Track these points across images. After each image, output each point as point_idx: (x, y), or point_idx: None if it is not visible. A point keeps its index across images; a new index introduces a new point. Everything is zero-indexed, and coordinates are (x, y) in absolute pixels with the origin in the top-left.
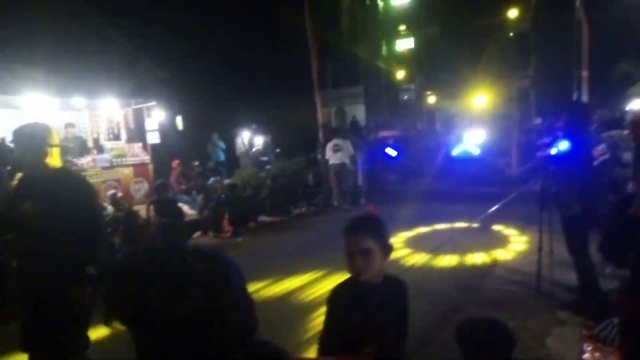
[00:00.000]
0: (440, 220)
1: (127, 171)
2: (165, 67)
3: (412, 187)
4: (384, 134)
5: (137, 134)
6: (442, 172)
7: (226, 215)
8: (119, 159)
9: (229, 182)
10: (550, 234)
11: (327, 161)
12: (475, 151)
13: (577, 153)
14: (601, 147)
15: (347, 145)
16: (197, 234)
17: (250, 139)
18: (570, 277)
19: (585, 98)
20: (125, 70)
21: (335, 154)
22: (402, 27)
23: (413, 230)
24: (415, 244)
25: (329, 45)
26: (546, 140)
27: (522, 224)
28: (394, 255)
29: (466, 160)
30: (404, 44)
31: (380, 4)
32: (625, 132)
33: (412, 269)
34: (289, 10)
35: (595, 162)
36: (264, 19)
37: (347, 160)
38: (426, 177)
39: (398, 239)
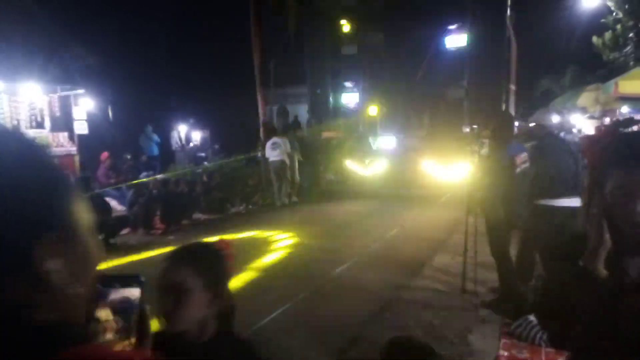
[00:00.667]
0: (373, 220)
1: None
2: (97, 54)
3: (349, 188)
4: (326, 134)
5: (63, 123)
6: (385, 171)
7: (158, 212)
8: None
9: (162, 177)
10: (475, 237)
11: (267, 159)
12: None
13: (499, 160)
14: (523, 156)
15: (286, 144)
16: (125, 231)
17: (187, 134)
18: (493, 277)
19: (512, 110)
20: (51, 53)
21: (273, 151)
22: (346, 31)
23: (347, 229)
24: (348, 241)
25: (273, 42)
26: (474, 147)
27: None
28: (327, 252)
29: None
30: (348, 50)
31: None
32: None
33: (343, 266)
34: (232, 4)
35: (517, 170)
36: (207, 10)
37: (286, 158)
38: (362, 180)
39: (330, 237)
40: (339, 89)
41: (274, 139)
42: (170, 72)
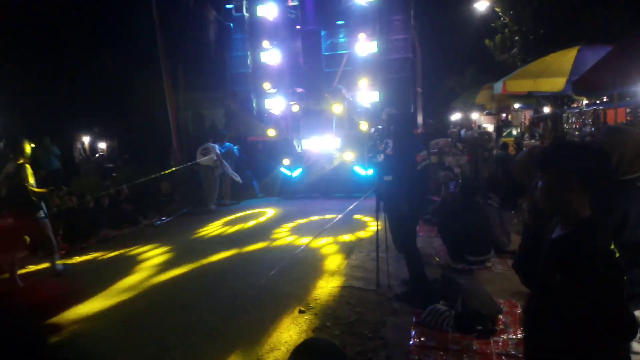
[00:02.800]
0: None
1: None
2: None
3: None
4: (252, 138)
5: None
6: (305, 172)
7: (60, 231)
8: None
9: (62, 192)
10: (386, 231)
11: (197, 164)
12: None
13: (402, 159)
14: (423, 153)
15: (215, 149)
16: (22, 254)
17: (92, 144)
18: (405, 269)
19: (420, 110)
20: None
21: (204, 157)
22: (266, 42)
23: (269, 234)
24: (271, 246)
25: (181, 46)
26: (379, 147)
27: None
28: (247, 260)
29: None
30: (269, 57)
31: (247, 15)
32: (449, 139)
33: (263, 272)
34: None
35: (418, 167)
36: (109, 13)
37: (212, 163)
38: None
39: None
40: (260, 93)
41: (205, 145)
42: (70, 79)
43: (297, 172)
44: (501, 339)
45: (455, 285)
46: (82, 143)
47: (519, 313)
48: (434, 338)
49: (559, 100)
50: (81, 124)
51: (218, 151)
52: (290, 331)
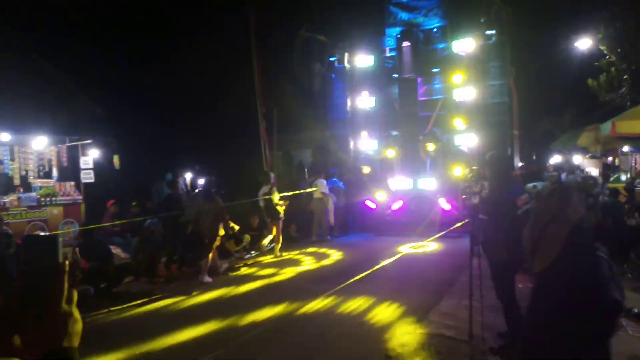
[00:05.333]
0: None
1: (57, 211)
2: (104, 104)
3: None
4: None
5: (71, 172)
6: (398, 211)
7: (162, 260)
8: (48, 198)
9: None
10: (480, 280)
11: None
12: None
13: (501, 201)
14: (524, 197)
15: (322, 185)
16: (128, 279)
17: (193, 180)
18: (500, 321)
19: (517, 153)
20: (60, 105)
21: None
22: (364, 91)
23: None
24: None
25: (277, 88)
26: (475, 189)
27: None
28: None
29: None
30: (366, 103)
31: (347, 66)
32: (547, 182)
33: (348, 312)
34: (237, 53)
35: (519, 211)
36: (210, 58)
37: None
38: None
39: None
40: (357, 136)
41: (315, 179)
42: (175, 121)
43: (394, 208)
44: None
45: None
46: (185, 179)
47: None
48: None
49: None
50: (184, 162)
51: (326, 188)
52: None
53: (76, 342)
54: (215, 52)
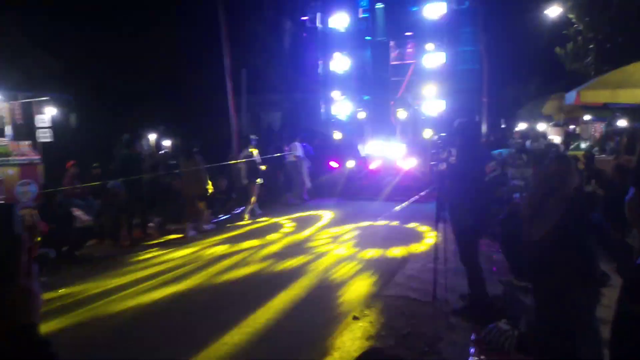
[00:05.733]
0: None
1: (12, 171)
2: (61, 59)
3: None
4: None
5: (26, 131)
6: (368, 175)
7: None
8: (1, 158)
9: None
10: (445, 243)
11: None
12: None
13: (469, 168)
14: (492, 164)
15: (297, 148)
16: (91, 242)
17: (157, 141)
18: (463, 283)
19: (485, 120)
20: (11, 59)
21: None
22: (336, 52)
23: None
24: (326, 247)
25: (245, 51)
26: (442, 155)
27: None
28: (300, 263)
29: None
30: (338, 66)
31: (320, 26)
32: (513, 150)
33: (317, 275)
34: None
35: (487, 178)
36: (177, 15)
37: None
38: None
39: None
40: (328, 99)
41: (292, 143)
42: (139, 80)
43: (360, 175)
44: None
45: (518, 303)
46: (148, 140)
47: None
48: (495, 358)
49: (637, 112)
50: (148, 122)
51: (301, 151)
52: (344, 337)
53: (36, 317)
54: (182, 6)
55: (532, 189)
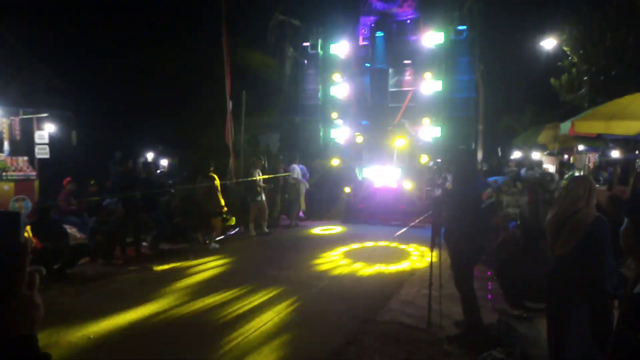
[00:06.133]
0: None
1: (7, 187)
2: (63, 76)
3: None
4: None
5: (24, 146)
6: (366, 199)
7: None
8: None
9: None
10: (440, 269)
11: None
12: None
13: (465, 195)
14: (489, 191)
15: (296, 170)
16: (83, 261)
17: (155, 160)
18: (458, 310)
19: (480, 147)
20: (13, 75)
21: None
22: (337, 77)
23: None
24: (316, 271)
25: (246, 72)
26: (437, 181)
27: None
28: (293, 283)
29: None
30: (338, 91)
31: (321, 52)
32: (508, 177)
33: (308, 297)
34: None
35: (483, 205)
36: (179, 37)
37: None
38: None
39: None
40: (327, 123)
41: (291, 165)
42: (139, 99)
43: (358, 199)
44: None
45: (514, 332)
46: (146, 159)
47: None
48: None
49: (631, 144)
50: (146, 141)
51: (300, 173)
52: None
53: (36, 329)
54: (184, 29)
55: (559, 208)
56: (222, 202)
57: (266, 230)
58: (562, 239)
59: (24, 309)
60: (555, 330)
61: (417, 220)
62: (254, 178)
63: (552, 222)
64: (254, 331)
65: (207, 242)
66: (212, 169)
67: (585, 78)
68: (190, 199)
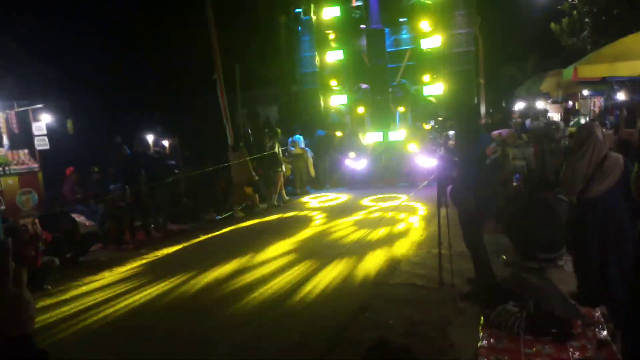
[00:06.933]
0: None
1: (12, 181)
2: (55, 67)
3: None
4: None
5: (23, 139)
6: (370, 163)
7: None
8: (0, 168)
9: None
10: (448, 228)
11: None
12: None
13: (471, 152)
14: (492, 146)
15: (299, 142)
16: (95, 247)
17: (155, 142)
18: (469, 267)
19: (483, 101)
20: (5, 67)
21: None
22: (332, 38)
23: (330, 227)
24: (329, 241)
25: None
26: (440, 139)
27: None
28: (308, 252)
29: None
30: (335, 56)
31: (314, 17)
32: (512, 130)
33: (323, 266)
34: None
35: (488, 160)
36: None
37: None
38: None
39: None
40: (327, 90)
41: (293, 138)
42: (133, 82)
43: (362, 164)
44: (579, 344)
45: (526, 284)
46: (143, 137)
47: (597, 316)
48: (505, 340)
49: (636, 85)
50: (144, 124)
51: (303, 144)
52: (352, 328)
53: (30, 328)
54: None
55: (588, 154)
56: (253, 173)
57: (275, 203)
58: (598, 182)
59: (13, 307)
60: (594, 271)
61: (425, 182)
62: (274, 150)
63: (583, 169)
64: (270, 303)
65: (235, 211)
66: (242, 143)
67: (586, 20)
68: (196, 180)
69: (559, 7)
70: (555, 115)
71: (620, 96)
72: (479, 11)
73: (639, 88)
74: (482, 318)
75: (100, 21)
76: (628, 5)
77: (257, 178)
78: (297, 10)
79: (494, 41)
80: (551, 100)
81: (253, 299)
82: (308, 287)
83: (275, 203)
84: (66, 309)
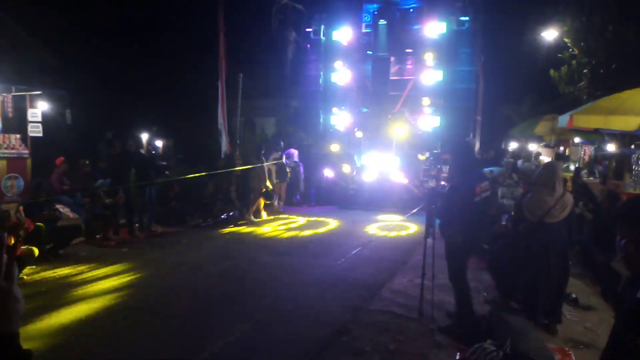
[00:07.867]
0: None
1: (0, 165)
2: (58, 54)
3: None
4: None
5: (17, 124)
6: (362, 186)
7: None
8: None
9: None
10: (433, 259)
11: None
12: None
13: (463, 187)
14: (485, 184)
15: (293, 156)
16: (77, 241)
17: (149, 142)
18: (450, 300)
19: (478, 138)
20: (6, 51)
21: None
22: (338, 64)
23: (311, 247)
24: (309, 260)
25: (242, 55)
26: (432, 172)
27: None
28: (286, 272)
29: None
30: (339, 78)
31: (323, 38)
32: (504, 169)
33: (301, 286)
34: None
35: (477, 198)
36: (175, 16)
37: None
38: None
39: (291, 255)
40: (328, 110)
41: (287, 150)
42: (134, 80)
43: (353, 184)
44: None
45: (505, 325)
46: (140, 140)
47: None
48: None
49: (627, 138)
50: (140, 122)
51: (296, 158)
52: (328, 352)
53: (17, 325)
54: (181, 7)
55: (545, 188)
56: (268, 182)
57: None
58: (559, 211)
59: (1, 301)
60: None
61: (414, 210)
62: (281, 161)
63: (551, 200)
64: (245, 322)
65: (249, 217)
66: (263, 152)
67: (585, 71)
68: (185, 183)
69: (560, 55)
70: (546, 159)
71: (610, 147)
72: (482, 50)
73: (629, 141)
74: (458, 354)
75: (105, 15)
76: (626, 61)
77: (270, 187)
78: (307, 30)
79: (494, 81)
80: (544, 143)
81: (224, 313)
82: (288, 306)
83: (280, 210)
84: (40, 303)
